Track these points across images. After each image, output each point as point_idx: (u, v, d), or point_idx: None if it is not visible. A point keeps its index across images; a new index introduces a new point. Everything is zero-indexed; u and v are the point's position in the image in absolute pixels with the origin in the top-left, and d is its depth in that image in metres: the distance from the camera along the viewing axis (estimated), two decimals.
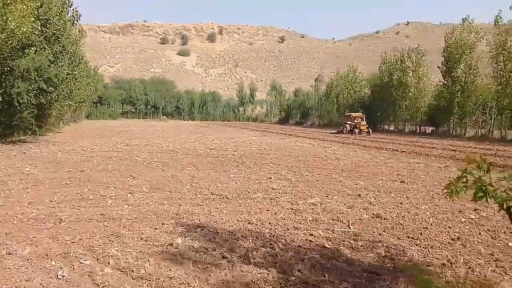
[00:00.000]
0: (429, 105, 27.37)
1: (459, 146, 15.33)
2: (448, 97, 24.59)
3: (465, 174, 1.97)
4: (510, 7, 17.23)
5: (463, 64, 23.87)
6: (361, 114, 25.82)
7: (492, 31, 21.96)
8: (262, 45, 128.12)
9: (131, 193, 5.58)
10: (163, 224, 4.10)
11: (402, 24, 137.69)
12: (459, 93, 24.22)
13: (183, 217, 4.36)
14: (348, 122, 24.85)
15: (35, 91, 11.78)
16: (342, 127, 25.56)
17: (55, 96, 12.92)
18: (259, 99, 63.65)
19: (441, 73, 25.38)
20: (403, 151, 13.14)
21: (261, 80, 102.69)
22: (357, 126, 24.06)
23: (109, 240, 3.57)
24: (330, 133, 25.26)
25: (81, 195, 5.40)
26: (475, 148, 14.88)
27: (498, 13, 21.19)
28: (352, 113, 26.21)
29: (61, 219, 4.20)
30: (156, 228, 3.96)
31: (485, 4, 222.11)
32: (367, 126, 24.29)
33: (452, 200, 2.07)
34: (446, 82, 24.97)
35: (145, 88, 51.63)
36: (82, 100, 23.07)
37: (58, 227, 3.96)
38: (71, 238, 3.61)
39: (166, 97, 52.55)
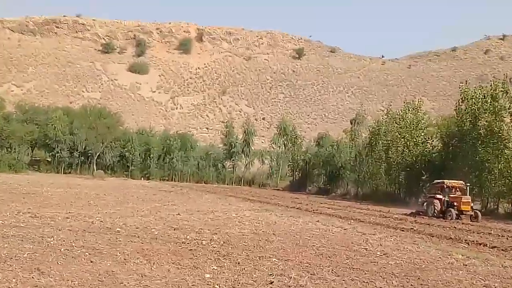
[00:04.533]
0: None
1: None
2: None
3: None
4: None
5: None
6: (462, 183, 24.32)
7: None
8: (267, 61, 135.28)
9: None
10: None
11: (495, 38, 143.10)
12: None
13: None
14: (439, 197, 23.56)
15: None
16: (424, 205, 24.53)
17: None
18: (259, 148, 65.41)
19: None
20: (482, 244, 13.38)
21: (263, 118, 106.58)
22: (456, 204, 22.71)
23: None
24: (405, 215, 23.57)
25: None
26: None
27: None
28: (446, 181, 24.53)
29: None
30: None
31: None
32: (472, 205, 22.96)
33: None
34: None
35: (71, 124, 52.92)
36: None
37: None
38: None
39: (106, 140, 53.78)
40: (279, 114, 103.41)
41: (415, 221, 20.69)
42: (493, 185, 29.64)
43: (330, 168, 50.93)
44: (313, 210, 23.43)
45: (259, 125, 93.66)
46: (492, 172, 29.56)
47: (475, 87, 33.64)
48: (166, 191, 33.11)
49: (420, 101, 40.71)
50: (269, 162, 61.31)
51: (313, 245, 11.49)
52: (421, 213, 24.12)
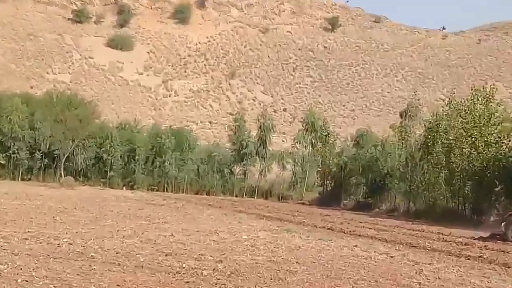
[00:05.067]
0: None
1: None
2: None
3: None
4: None
5: None
6: None
7: None
8: (290, 34, 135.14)
9: None
10: None
11: None
12: None
13: None
14: None
15: None
16: (503, 225, 24.48)
17: None
18: (278, 149, 65.37)
19: None
20: None
21: (284, 109, 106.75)
22: None
23: None
24: (472, 238, 23.56)
25: None
26: None
27: None
28: None
29: None
30: None
31: None
32: None
33: None
34: None
35: (32, 116, 53.30)
36: None
37: None
38: None
39: (77, 137, 54.03)
40: (305, 104, 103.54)
41: (485, 246, 20.48)
42: None
43: (373, 176, 50.63)
44: (350, 231, 23.35)
45: (279, 119, 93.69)
46: None
47: None
48: (155, 204, 33.33)
49: (493, 88, 40.13)
50: (291, 167, 61.20)
51: (350, 278, 11.47)
52: (497, 236, 23.91)
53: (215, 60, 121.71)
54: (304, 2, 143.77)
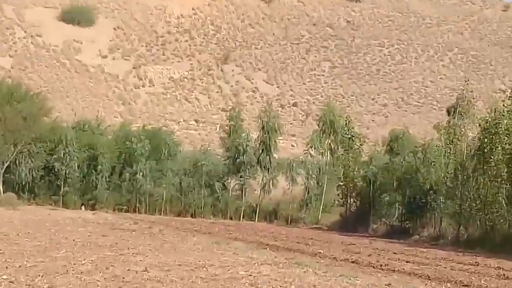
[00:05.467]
0: None
1: None
2: None
3: None
4: None
5: None
6: None
7: None
8: (302, 5, 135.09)
9: None
10: None
11: None
12: None
13: None
14: None
15: None
16: None
17: None
18: (287, 155, 65.54)
19: None
20: None
21: (294, 104, 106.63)
22: None
23: None
24: None
25: None
26: None
27: None
28: None
29: None
30: None
31: None
32: None
33: None
34: None
35: None
36: None
37: None
38: None
39: (20, 141, 54.22)
40: (321, 97, 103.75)
41: None
42: None
43: (411, 192, 50.61)
44: (381, 265, 23.33)
45: (287, 117, 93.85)
46: None
47: None
48: (124, 230, 33.30)
49: None
50: (304, 180, 61.25)
51: None
52: None
53: (203, 39, 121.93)
54: None
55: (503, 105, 42.56)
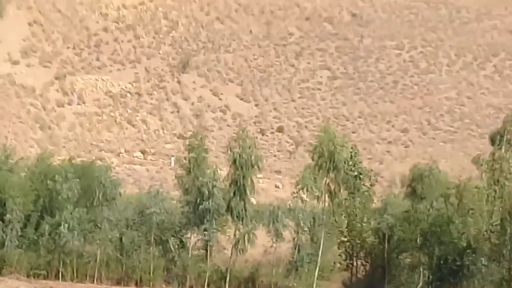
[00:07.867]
0: None
1: None
2: None
3: None
4: None
5: None
6: None
7: None
8: None
9: None
10: None
11: None
12: None
13: None
14: None
15: None
16: None
17: None
18: (268, 200, 65.87)
19: None
20: None
21: (278, 128, 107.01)
22: None
23: None
24: None
25: None
26: None
27: None
28: None
29: None
30: None
31: None
32: None
33: None
34: None
35: None
36: None
37: None
38: None
39: None
40: (317, 119, 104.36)
41: None
42: None
43: (441, 252, 51.10)
44: None
45: (269, 146, 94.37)
46: None
47: None
48: None
49: None
50: (293, 235, 61.55)
51: None
52: None
53: (153, 38, 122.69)
54: None
55: None
